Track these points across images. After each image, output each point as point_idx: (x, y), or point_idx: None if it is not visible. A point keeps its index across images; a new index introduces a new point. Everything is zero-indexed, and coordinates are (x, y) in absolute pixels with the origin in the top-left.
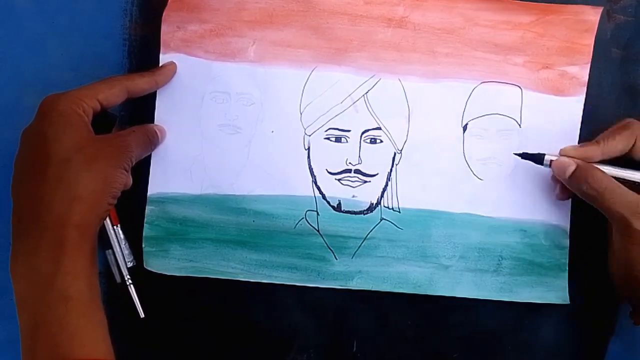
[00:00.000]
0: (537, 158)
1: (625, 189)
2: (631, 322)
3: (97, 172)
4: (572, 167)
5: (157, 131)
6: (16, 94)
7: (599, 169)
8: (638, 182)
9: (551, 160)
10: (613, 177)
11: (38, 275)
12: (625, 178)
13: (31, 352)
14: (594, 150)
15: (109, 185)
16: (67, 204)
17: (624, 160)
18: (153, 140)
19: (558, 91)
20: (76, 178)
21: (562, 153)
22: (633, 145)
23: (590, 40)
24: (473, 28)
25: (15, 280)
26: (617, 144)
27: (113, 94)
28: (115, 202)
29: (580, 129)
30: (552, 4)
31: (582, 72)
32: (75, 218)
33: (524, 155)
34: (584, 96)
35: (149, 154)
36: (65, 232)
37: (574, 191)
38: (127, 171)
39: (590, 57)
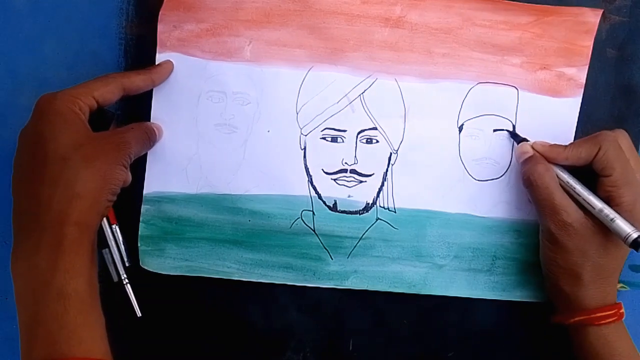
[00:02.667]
0: (520, 140)
1: (558, 192)
2: (627, 322)
3: (96, 169)
4: (528, 154)
5: (155, 128)
6: (12, 93)
7: (548, 165)
8: (582, 198)
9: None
10: (564, 184)
11: (37, 273)
12: (570, 190)
13: (29, 350)
14: (559, 152)
15: (108, 182)
16: (66, 202)
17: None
18: (151, 137)
19: (555, 92)
20: (75, 176)
21: (533, 145)
22: (596, 155)
23: (589, 42)
24: (471, 28)
25: (15, 278)
26: (581, 151)
27: (109, 91)
28: (114, 199)
29: (576, 130)
30: (552, 6)
31: (580, 74)
32: (74, 216)
33: (512, 133)
34: (581, 98)
35: (147, 150)
36: (64, 230)
37: (522, 177)
38: (126, 168)
39: (589, 58)
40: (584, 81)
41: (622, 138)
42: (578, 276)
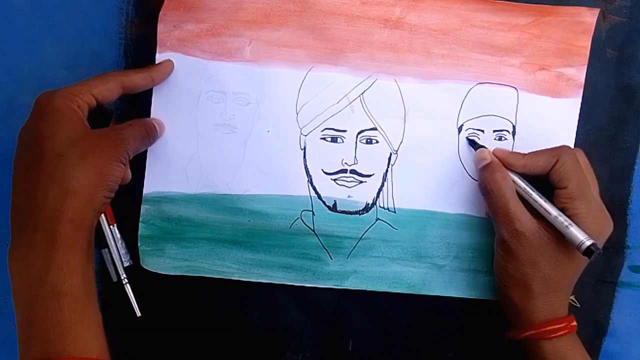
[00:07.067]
0: (478, 147)
1: (513, 200)
2: (626, 322)
3: (92, 165)
4: (487, 161)
5: (156, 124)
6: (12, 92)
7: (505, 173)
8: (538, 204)
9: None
10: (521, 191)
11: (32, 271)
12: (527, 197)
13: (25, 349)
14: (518, 159)
15: (104, 179)
16: (61, 198)
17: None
18: (151, 134)
19: (554, 93)
20: (70, 172)
21: (494, 151)
22: (554, 166)
23: (587, 42)
24: (469, 29)
25: (12, 277)
26: (539, 160)
27: (108, 89)
28: (112, 195)
29: (576, 130)
30: (549, 6)
31: (579, 74)
32: (68, 213)
33: (470, 140)
34: (581, 98)
35: (147, 147)
36: (59, 227)
37: (479, 184)
38: (124, 164)
39: (587, 58)
40: (584, 81)
41: (580, 155)
42: (528, 287)
